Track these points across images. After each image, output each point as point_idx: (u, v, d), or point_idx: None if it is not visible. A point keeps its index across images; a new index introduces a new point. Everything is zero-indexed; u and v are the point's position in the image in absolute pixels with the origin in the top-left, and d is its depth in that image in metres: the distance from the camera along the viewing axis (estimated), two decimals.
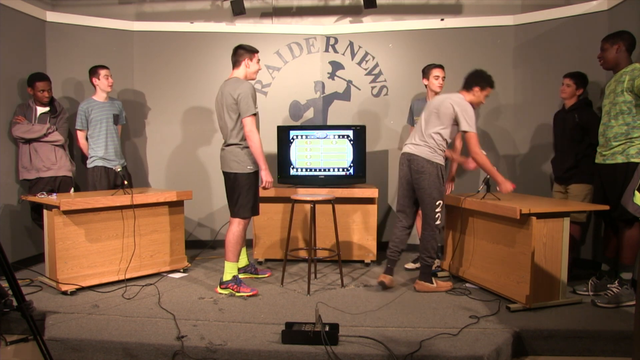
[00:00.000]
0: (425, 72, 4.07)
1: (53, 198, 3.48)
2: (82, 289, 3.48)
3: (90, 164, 4.22)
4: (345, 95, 4.97)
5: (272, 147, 4.57)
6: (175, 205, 4.03)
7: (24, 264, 4.08)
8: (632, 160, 3.16)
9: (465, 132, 3.35)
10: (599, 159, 3.39)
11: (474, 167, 3.62)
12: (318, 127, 4.64)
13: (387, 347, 2.54)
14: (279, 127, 4.46)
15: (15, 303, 2.18)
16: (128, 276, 3.69)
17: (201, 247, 4.85)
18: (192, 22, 5.00)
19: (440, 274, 3.95)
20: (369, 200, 4.26)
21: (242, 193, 3.41)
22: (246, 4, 4.84)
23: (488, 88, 3.49)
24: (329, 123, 4.96)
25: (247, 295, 3.38)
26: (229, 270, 3.47)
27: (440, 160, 3.44)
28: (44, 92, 4.02)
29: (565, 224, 3.16)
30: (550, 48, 4.39)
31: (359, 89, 4.94)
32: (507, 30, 4.63)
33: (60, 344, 2.68)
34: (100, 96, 4.24)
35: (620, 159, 3.21)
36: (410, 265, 4.22)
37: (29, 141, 4.00)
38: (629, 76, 3.15)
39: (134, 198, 3.69)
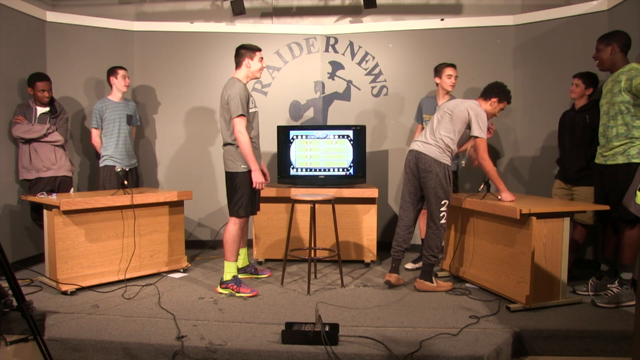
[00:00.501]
0: (438, 71, 4.08)
1: (53, 198, 3.48)
2: (82, 289, 3.48)
3: (101, 162, 4.30)
4: (345, 95, 4.97)
5: (272, 147, 4.57)
6: (175, 205, 4.03)
7: (24, 264, 4.08)
8: (633, 160, 3.16)
9: (476, 137, 3.42)
10: (599, 160, 3.38)
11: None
12: (318, 127, 4.64)
13: (387, 347, 2.54)
14: (279, 127, 4.46)
15: (15, 303, 2.18)
16: (128, 276, 3.69)
17: (201, 247, 4.85)
18: (192, 22, 5.00)
19: (440, 273, 3.95)
20: (369, 200, 4.26)
21: (237, 192, 3.42)
22: (246, 4, 4.84)
23: (505, 102, 3.55)
24: (329, 123, 4.96)
25: (247, 296, 3.38)
26: (229, 270, 3.47)
27: (447, 161, 3.46)
28: (44, 92, 4.02)
29: (565, 224, 3.16)
30: (550, 48, 4.39)
31: (359, 89, 4.94)
32: (507, 30, 4.63)
33: (60, 344, 2.69)
34: (115, 96, 4.33)
35: (621, 160, 3.20)
36: (410, 266, 4.22)
37: (28, 141, 4.00)
38: (626, 76, 3.15)
39: (134, 198, 3.69)
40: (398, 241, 3.60)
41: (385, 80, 4.89)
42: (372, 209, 4.27)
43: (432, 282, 3.53)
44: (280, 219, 4.33)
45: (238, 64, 3.50)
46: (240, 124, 3.33)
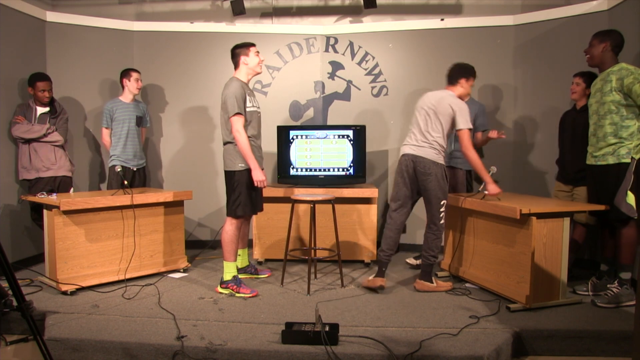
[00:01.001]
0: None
1: (53, 198, 3.48)
2: (82, 289, 3.48)
3: (109, 162, 4.35)
4: (345, 95, 4.97)
5: (272, 147, 4.57)
6: (175, 205, 4.03)
7: (24, 264, 4.08)
8: (623, 160, 3.16)
9: (460, 129, 3.44)
10: (590, 160, 3.38)
11: (497, 136, 3.96)
12: (318, 127, 4.64)
13: (387, 347, 2.54)
14: (279, 127, 4.46)
15: (15, 303, 2.18)
16: (128, 276, 3.69)
17: (201, 247, 4.85)
18: (192, 22, 5.00)
19: (440, 273, 3.95)
20: (368, 200, 4.26)
21: (235, 191, 3.41)
22: (246, 4, 4.84)
23: (472, 78, 3.59)
24: (329, 123, 4.96)
25: (247, 297, 3.38)
26: (228, 270, 3.48)
27: (443, 160, 3.49)
28: (44, 92, 4.03)
29: (565, 224, 3.16)
30: (550, 48, 4.39)
31: (359, 89, 4.94)
32: (507, 30, 4.63)
33: (60, 344, 2.68)
34: (126, 97, 4.38)
35: (611, 160, 3.21)
36: (411, 261, 4.21)
37: (28, 141, 4.00)
38: (617, 75, 3.16)
39: (134, 198, 3.69)
40: (390, 244, 3.54)
41: (385, 80, 4.89)
42: (372, 209, 4.27)
43: (432, 282, 3.53)
44: (280, 219, 4.33)
45: (236, 65, 3.52)
46: (237, 123, 3.32)
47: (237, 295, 3.41)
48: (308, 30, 4.98)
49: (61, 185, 4.14)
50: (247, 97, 3.42)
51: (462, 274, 3.74)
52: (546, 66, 4.43)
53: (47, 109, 4.10)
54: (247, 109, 3.41)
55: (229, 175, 3.44)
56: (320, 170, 4.41)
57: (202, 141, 4.96)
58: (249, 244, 4.47)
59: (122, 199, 3.66)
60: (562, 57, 4.30)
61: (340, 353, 2.50)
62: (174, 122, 4.97)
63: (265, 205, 4.24)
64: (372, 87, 4.92)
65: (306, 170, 4.41)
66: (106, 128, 4.36)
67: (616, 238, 3.30)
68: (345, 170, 4.40)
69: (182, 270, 4.05)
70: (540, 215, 3.05)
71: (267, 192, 4.22)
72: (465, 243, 3.73)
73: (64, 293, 3.39)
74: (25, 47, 4.28)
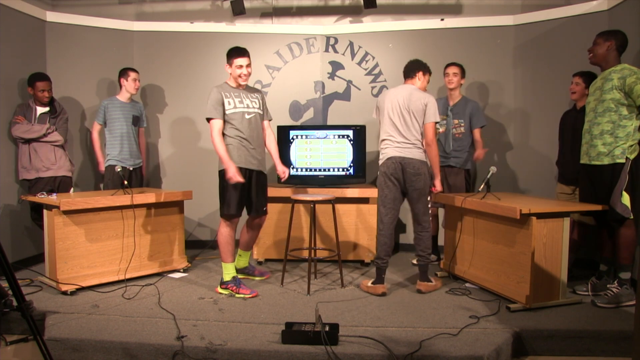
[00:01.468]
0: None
1: (53, 198, 3.48)
2: (82, 289, 3.48)
3: (106, 162, 4.35)
4: (345, 95, 4.97)
5: None
6: (175, 205, 4.03)
7: (24, 264, 4.08)
8: (618, 161, 3.16)
9: (429, 122, 3.46)
10: (584, 159, 3.36)
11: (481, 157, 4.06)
12: (318, 127, 4.64)
13: (387, 347, 2.54)
14: (279, 127, 4.46)
15: (15, 303, 2.18)
16: (128, 276, 3.69)
17: (201, 247, 4.85)
18: (192, 22, 5.00)
19: (439, 273, 3.96)
20: (368, 200, 4.26)
21: (220, 191, 3.48)
22: (246, 4, 4.84)
23: (428, 73, 3.62)
24: (329, 123, 4.96)
25: (247, 297, 3.38)
26: (227, 271, 3.48)
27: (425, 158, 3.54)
28: (44, 92, 4.02)
29: (565, 224, 3.16)
30: (550, 48, 4.39)
31: (359, 89, 4.94)
32: (507, 30, 4.63)
33: (60, 344, 2.68)
34: (123, 96, 4.38)
35: (606, 161, 3.20)
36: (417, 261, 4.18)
37: (28, 141, 4.00)
38: (619, 75, 3.15)
39: (134, 198, 3.69)
40: (387, 251, 3.48)
41: (385, 80, 4.89)
42: (372, 209, 4.27)
43: (432, 282, 3.55)
44: (280, 219, 4.33)
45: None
46: (212, 127, 3.43)
47: (236, 295, 3.41)
48: (308, 30, 4.98)
49: (61, 185, 4.13)
50: (226, 100, 3.44)
51: (462, 274, 3.74)
52: (546, 66, 4.43)
53: (47, 108, 4.10)
54: (228, 111, 3.44)
55: (218, 175, 3.50)
56: (320, 170, 4.41)
57: (202, 141, 4.96)
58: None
59: (122, 199, 3.66)
60: (562, 57, 4.30)
61: (340, 353, 2.50)
62: (174, 122, 4.97)
63: None
64: (372, 87, 4.92)
65: (306, 170, 4.41)
66: (98, 124, 4.36)
67: (615, 238, 3.30)
68: (345, 170, 4.40)
69: (182, 270, 4.05)
70: (540, 215, 3.05)
71: (267, 192, 4.21)
72: (465, 243, 3.73)
73: (64, 293, 3.39)
74: (25, 47, 4.28)
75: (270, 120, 3.75)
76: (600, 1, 4.06)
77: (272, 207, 4.31)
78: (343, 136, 4.36)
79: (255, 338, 2.67)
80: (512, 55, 4.64)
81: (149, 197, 3.81)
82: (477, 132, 4.13)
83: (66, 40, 4.60)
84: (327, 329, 2.61)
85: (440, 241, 4.65)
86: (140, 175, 4.55)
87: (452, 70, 4.12)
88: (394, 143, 3.45)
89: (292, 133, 4.39)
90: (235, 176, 3.34)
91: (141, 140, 4.58)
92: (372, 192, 4.21)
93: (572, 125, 3.77)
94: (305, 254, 4.12)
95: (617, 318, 2.96)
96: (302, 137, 4.39)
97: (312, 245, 3.73)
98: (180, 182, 4.94)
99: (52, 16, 4.55)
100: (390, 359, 2.48)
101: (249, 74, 3.51)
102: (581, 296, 3.33)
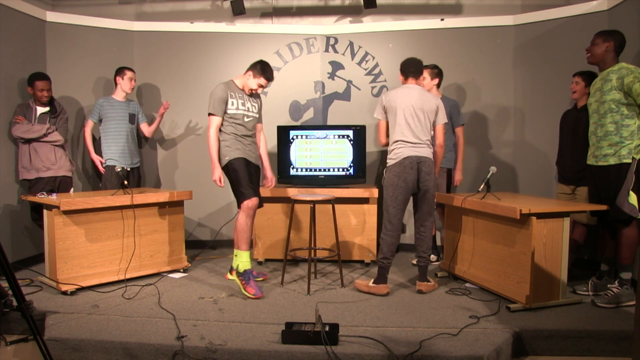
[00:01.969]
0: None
1: (53, 198, 3.48)
2: (82, 289, 3.48)
3: (105, 162, 4.38)
4: (345, 95, 4.97)
5: (272, 147, 4.57)
6: (175, 205, 4.03)
7: (24, 264, 4.08)
8: (624, 161, 3.17)
9: (441, 124, 3.52)
10: (590, 160, 3.38)
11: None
12: (318, 127, 4.64)
13: (387, 347, 2.54)
14: (279, 127, 4.46)
15: (15, 303, 2.18)
16: (128, 276, 3.69)
17: (201, 247, 4.85)
18: (192, 22, 5.00)
19: (440, 274, 3.96)
20: (368, 200, 4.26)
21: (231, 183, 3.58)
22: (246, 4, 4.84)
23: (417, 74, 3.60)
24: (329, 123, 4.96)
25: (250, 297, 3.37)
26: (242, 259, 3.47)
27: None
28: (43, 91, 4.03)
29: (565, 224, 3.16)
30: (550, 48, 4.39)
31: (359, 89, 4.94)
32: (507, 30, 4.63)
33: (60, 344, 2.68)
34: (118, 95, 4.41)
35: (612, 161, 3.21)
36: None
37: (28, 141, 4.00)
38: (617, 75, 3.17)
39: (134, 198, 3.69)
40: (393, 251, 3.46)
41: (385, 80, 4.89)
42: (372, 209, 4.27)
43: (431, 282, 3.55)
44: (280, 219, 4.33)
45: (247, 70, 3.63)
46: (210, 122, 3.53)
47: (242, 291, 3.41)
48: (308, 30, 4.98)
49: (61, 185, 4.14)
50: (231, 100, 3.55)
51: (462, 274, 3.74)
52: (546, 66, 4.43)
53: (47, 108, 4.10)
54: (229, 111, 3.55)
55: (224, 170, 3.60)
56: (320, 170, 4.41)
57: (203, 141, 4.95)
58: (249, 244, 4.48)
59: (122, 199, 3.66)
60: (562, 57, 4.30)
61: (340, 353, 2.50)
62: (174, 122, 4.96)
63: (265, 205, 4.25)
64: (372, 87, 4.92)
65: (306, 170, 4.41)
66: (92, 121, 4.38)
67: (617, 238, 3.30)
68: (345, 170, 4.40)
69: (182, 270, 4.05)
70: (540, 215, 3.05)
71: (267, 192, 4.22)
72: (466, 243, 3.73)
73: (64, 293, 3.39)
74: (25, 47, 4.28)
75: (261, 123, 3.88)
76: (600, 1, 4.06)
77: (272, 207, 4.31)
78: (343, 136, 4.36)
79: (255, 338, 2.67)
80: (512, 55, 4.64)
81: (149, 197, 3.81)
82: (457, 131, 4.13)
83: (66, 40, 4.60)
84: (327, 329, 2.61)
85: (438, 240, 4.66)
86: (139, 175, 4.56)
87: (425, 73, 4.07)
88: (409, 143, 3.43)
89: (292, 133, 4.39)
90: (219, 180, 3.56)
91: (149, 129, 4.60)
92: (372, 192, 4.21)
93: (572, 125, 3.77)
94: (305, 254, 4.12)
95: (617, 318, 2.96)
96: (302, 137, 4.39)
97: (312, 245, 3.73)
98: (180, 182, 4.94)
99: (52, 16, 4.55)
100: (390, 359, 2.48)
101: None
102: (581, 296, 3.33)
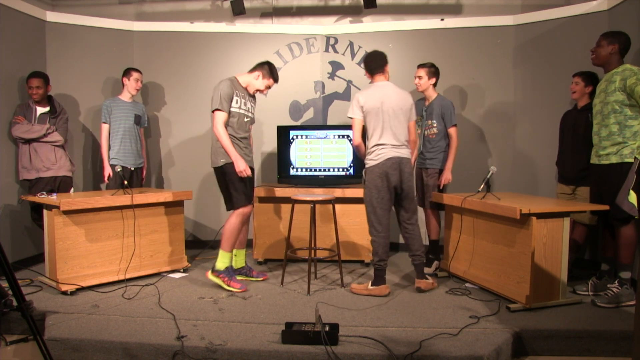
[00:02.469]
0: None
1: (53, 198, 3.48)
2: (82, 289, 3.48)
3: (110, 161, 4.37)
4: (345, 95, 4.97)
5: (272, 147, 4.57)
6: (175, 205, 4.03)
7: (24, 264, 4.08)
8: (626, 160, 3.18)
9: (413, 121, 3.54)
10: (594, 160, 3.41)
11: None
12: (318, 127, 4.64)
13: (387, 347, 2.54)
14: (279, 127, 4.46)
15: (15, 303, 2.18)
16: (128, 276, 3.69)
17: (201, 247, 4.85)
18: (192, 22, 5.00)
19: (440, 274, 3.95)
20: None
21: (225, 186, 3.55)
22: (246, 4, 4.84)
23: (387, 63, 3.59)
24: (329, 123, 4.96)
25: (236, 291, 3.43)
26: (223, 259, 3.52)
27: None
28: (33, 89, 3.98)
29: (565, 224, 3.16)
30: (550, 48, 4.39)
31: (359, 89, 4.93)
32: (507, 30, 4.63)
33: (60, 344, 2.68)
34: (125, 96, 4.42)
35: (614, 160, 3.23)
36: (425, 270, 4.07)
37: (28, 141, 4.00)
38: (620, 76, 3.19)
39: (134, 198, 3.69)
40: (387, 252, 3.46)
41: None
42: None
43: (429, 279, 3.55)
44: (280, 219, 4.33)
45: (253, 69, 3.63)
46: (216, 119, 3.46)
47: (226, 288, 3.46)
48: (308, 30, 4.98)
49: (61, 185, 4.13)
50: (235, 98, 3.51)
51: (462, 274, 3.74)
52: (546, 66, 4.43)
53: (47, 109, 4.10)
54: (232, 109, 3.51)
55: (217, 171, 3.57)
56: (320, 170, 4.41)
57: (202, 141, 4.96)
58: (249, 244, 4.47)
59: (122, 199, 3.66)
60: (562, 57, 4.30)
61: (340, 353, 2.50)
62: (174, 121, 4.97)
63: (265, 205, 4.26)
64: None
65: (306, 170, 4.41)
66: (105, 123, 4.37)
67: (616, 237, 3.30)
68: (345, 170, 4.40)
69: (182, 270, 4.05)
70: (540, 215, 3.05)
71: (267, 192, 4.22)
72: (466, 243, 3.73)
73: (64, 293, 3.39)
74: (25, 47, 4.27)
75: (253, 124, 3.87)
76: (600, 1, 4.06)
77: (272, 207, 4.32)
78: (343, 136, 4.36)
79: (255, 338, 2.67)
80: (512, 55, 4.64)
81: (149, 197, 3.81)
82: (450, 131, 3.99)
83: (66, 40, 4.60)
84: (327, 329, 2.61)
85: (440, 241, 4.65)
86: (141, 176, 4.56)
87: (418, 73, 4.02)
88: (390, 145, 3.41)
89: (292, 133, 4.39)
90: (246, 170, 3.46)
91: (142, 141, 4.59)
92: None
93: (572, 125, 3.78)
94: (305, 254, 4.12)
95: (617, 318, 2.96)
96: (302, 137, 4.39)
97: (312, 245, 3.72)
98: (180, 182, 4.94)
99: (52, 16, 4.55)
100: (390, 359, 2.48)
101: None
102: (581, 296, 3.33)
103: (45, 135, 4.01)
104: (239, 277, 3.78)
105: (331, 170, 4.40)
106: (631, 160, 3.16)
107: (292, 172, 4.42)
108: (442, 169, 4.02)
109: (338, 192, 4.17)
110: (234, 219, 3.51)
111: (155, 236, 3.91)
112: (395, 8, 5.05)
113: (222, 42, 4.88)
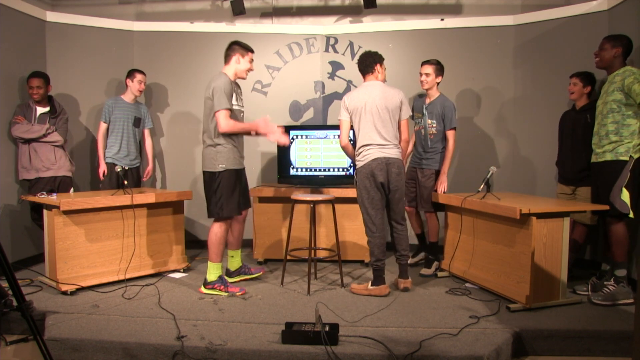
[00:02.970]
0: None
1: (53, 198, 3.48)
2: (82, 289, 3.48)
3: (105, 161, 4.40)
4: None
5: (272, 147, 4.57)
6: (175, 205, 4.03)
7: (24, 264, 4.08)
8: (621, 158, 3.21)
9: (405, 119, 3.48)
10: (593, 158, 3.43)
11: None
12: (318, 127, 4.64)
13: (387, 347, 2.54)
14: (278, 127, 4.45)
15: (15, 303, 2.18)
16: (128, 276, 3.69)
17: (201, 247, 4.85)
18: (192, 22, 5.00)
19: (440, 274, 3.95)
20: None
21: (215, 192, 3.36)
22: (246, 4, 4.84)
23: (382, 63, 3.56)
24: (329, 123, 4.96)
25: (238, 294, 3.41)
26: (213, 271, 3.46)
27: None
28: (34, 89, 3.98)
29: (565, 224, 3.16)
30: (550, 48, 4.39)
31: None
32: (507, 30, 4.63)
33: (60, 344, 2.69)
34: (128, 97, 4.43)
35: (609, 157, 3.26)
36: (425, 271, 4.01)
37: (28, 141, 4.00)
38: (621, 77, 3.24)
39: (134, 198, 3.69)
40: (384, 252, 3.46)
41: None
42: None
43: (409, 277, 3.55)
44: (280, 219, 4.33)
45: (227, 58, 3.45)
46: (224, 118, 3.26)
47: (226, 294, 3.42)
48: (308, 30, 4.98)
49: (61, 185, 4.14)
50: (234, 95, 3.40)
51: (462, 274, 3.74)
52: (546, 66, 4.43)
53: (47, 109, 4.10)
54: (233, 107, 3.39)
55: (210, 176, 3.37)
56: (320, 170, 4.41)
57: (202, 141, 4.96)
58: (249, 244, 4.48)
59: (122, 199, 3.66)
60: (561, 57, 4.30)
61: (340, 353, 2.50)
62: (174, 121, 4.97)
63: (265, 205, 4.26)
64: None
65: (306, 170, 4.41)
66: (104, 122, 4.38)
67: (608, 236, 3.31)
68: (345, 170, 4.40)
69: (182, 270, 4.05)
70: (540, 215, 3.05)
71: (267, 192, 4.22)
72: (466, 243, 3.73)
73: (64, 293, 3.39)
74: (25, 47, 4.27)
75: None
76: (600, 1, 4.06)
77: (272, 207, 4.32)
78: None
79: (255, 338, 2.67)
80: (512, 55, 4.64)
81: (149, 197, 3.81)
82: (448, 134, 3.93)
83: (66, 40, 4.60)
84: (327, 329, 2.61)
85: (440, 241, 4.65)
86: (137, 175, 4.56)
87: (425, 70, 3.94)
88: (377, 145, 3.39)
89: (292, 133, 4.40)
90: (282, 136, 3.32)
91: (147, 141, 4.61)
92: None
93: (571, 126, 3.78)
94: (305, 254, 4.12)
95: (617, 318, 2.96)
96: (302, 137, 4.39)
97: (312, 245, 3.72)
98: (180, 182, 4.94)
99: (52, 16, 4.55)
100: (390, 359, 2.48)
101: None
102: (581, 296, 3.33)
103: (45, 135, 4.01)
104: (238, 278, 3.78)
105: (331, 170, 4.40)
106: (626, 158, 3.19)
107: (292, 172, 4.42)
108: (438, 170, 3.98)
109: (338, 192, 4.17)
110: (217, 228, 3.40)
111: (155, 236, 3.91)
112: (395, 8, 5.05)
113: (222, 42, 4.83)
